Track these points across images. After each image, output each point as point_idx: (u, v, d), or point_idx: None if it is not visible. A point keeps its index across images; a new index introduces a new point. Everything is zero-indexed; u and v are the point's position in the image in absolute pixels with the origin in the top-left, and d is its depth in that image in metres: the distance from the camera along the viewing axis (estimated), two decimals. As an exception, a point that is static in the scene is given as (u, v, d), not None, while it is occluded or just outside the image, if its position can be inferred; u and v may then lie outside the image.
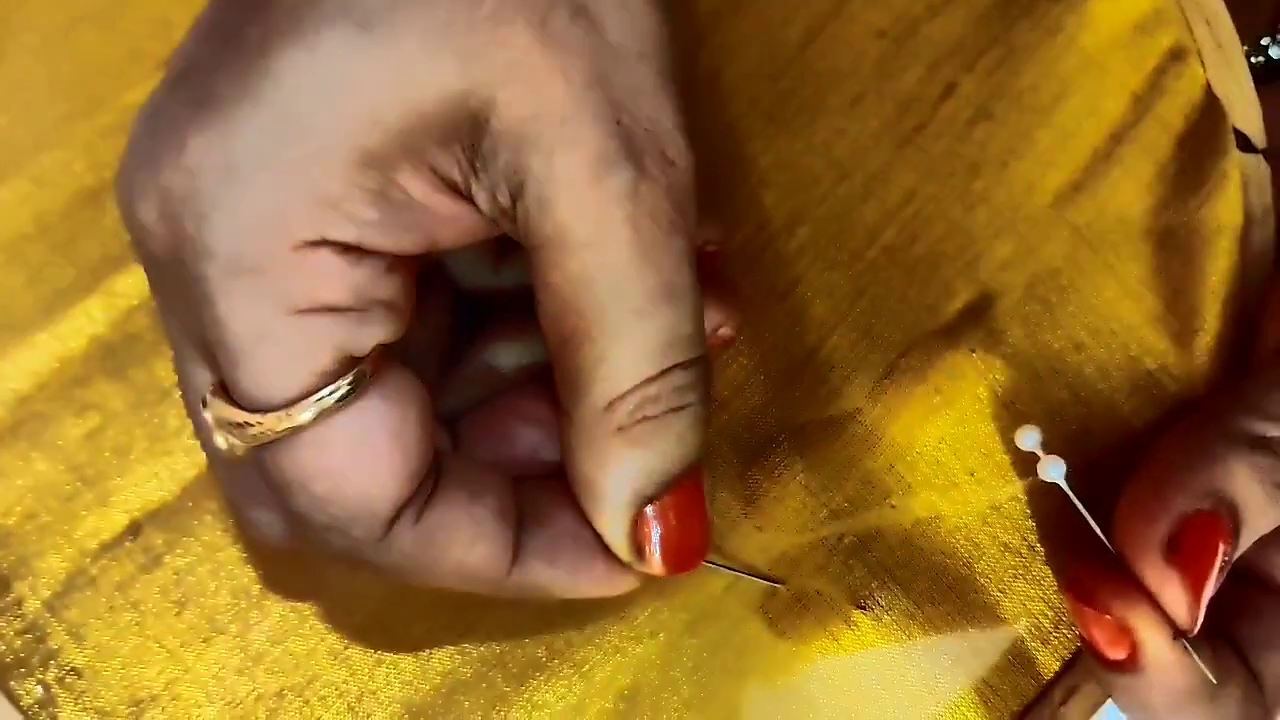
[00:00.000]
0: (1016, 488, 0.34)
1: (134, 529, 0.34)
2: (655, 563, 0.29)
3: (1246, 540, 0.31)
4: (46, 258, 0.35)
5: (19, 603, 0.34)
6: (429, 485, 0.28)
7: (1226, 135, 0.35)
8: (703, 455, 0.29)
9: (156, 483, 0.34)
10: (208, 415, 0.27)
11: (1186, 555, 0.30)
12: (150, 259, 0.27)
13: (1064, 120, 0.36)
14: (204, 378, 0.28)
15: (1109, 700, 0.34)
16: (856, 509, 0.34)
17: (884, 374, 0.35)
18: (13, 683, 0.34)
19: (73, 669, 0.34)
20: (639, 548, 0.29)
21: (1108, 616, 0.31)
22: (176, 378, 0.29)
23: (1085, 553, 0.33)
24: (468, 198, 0.26)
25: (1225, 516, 0.30)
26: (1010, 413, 0.34)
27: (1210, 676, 0.31)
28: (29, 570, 0.34)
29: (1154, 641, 0.31)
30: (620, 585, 0.30)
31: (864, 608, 0.34)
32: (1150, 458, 0.33)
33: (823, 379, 0.35)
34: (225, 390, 0.27)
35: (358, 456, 0.26)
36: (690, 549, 0.30)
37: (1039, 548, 0.34)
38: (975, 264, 0.35)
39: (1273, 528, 0.31)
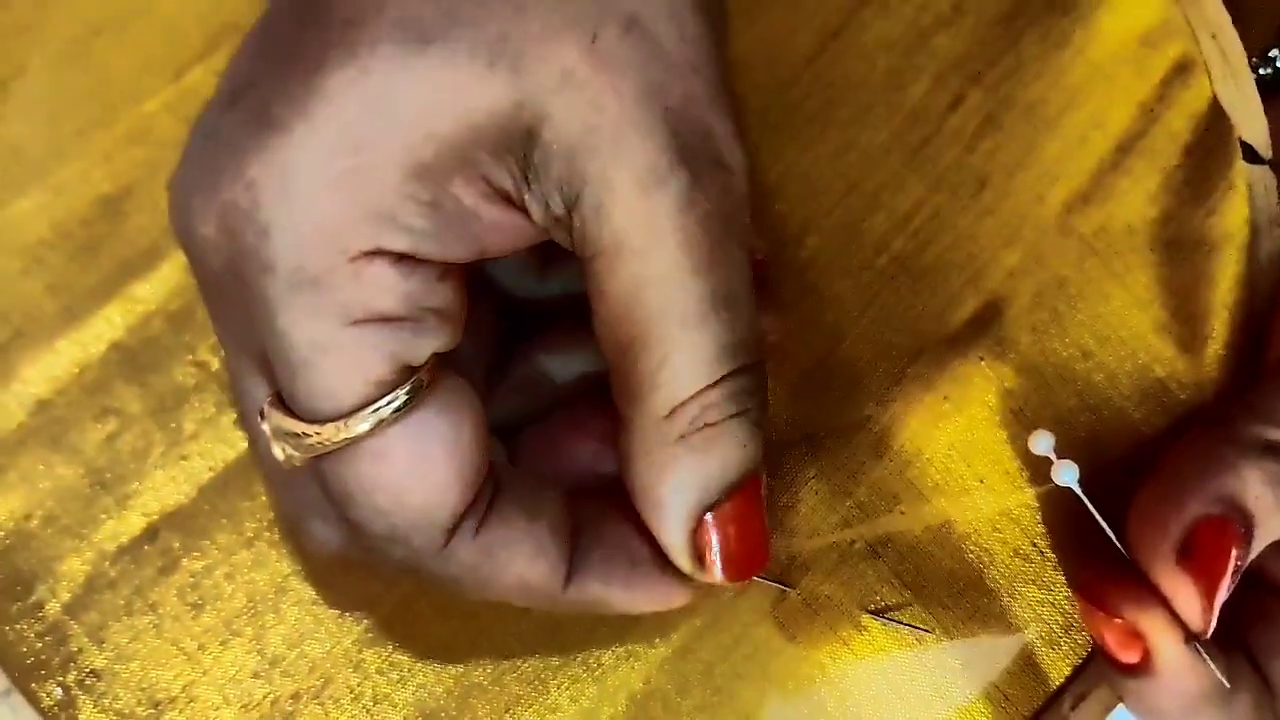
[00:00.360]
0: (1026, 494, 0.35)
1: (151, 532, 0.35)
2: (716, 572, 0.29)
3: (1259, 545, 0.31)
4: (66, 265, 0.36)
5: (39, 605, 0.34)
6: (486, 496, 0.28)
7: (1233, 147, 0.36)
8: (761, 462, 0.29)
9: (173, 486, 0.35)
10: (265, 427, 0.28)
11: (1199, 559, 0.30)
12: (208, 274, 0.27)
13: (1071, 131, 0.36)
14: (261, 390, 0.28)
15: (1119, 705, 0.34)
16: (867, 515, 0.34)
17: (893, 382, 0.35)
18: (33, 685, 0.34)
19: (92, 671, 0.34)
20: (699, 557, 0.29)
21: (1119, 620, 0.31)
22: (232, 391, 0.30)
23: (1097, 558, 0.33)
24: (520, 207, 0.26)
25: (1238, 521, 0.31)
26: (1019, 420, 0.35)
27: (1223, 680, 0.31)
28: (49, 573, 0.34)
29: (1166, 645, 0.31)
30: (676, 600, 0.31)
31: (874, 612, 0.34)
32: (1162, 464, 0.33)
33: (833, 387, 0.35)
34: (283, 402, 0.27)
35: (416, 466, 0.27)
36: (751, 557, 0.29)
37: (1049, 554, 0.34)
38: (983, 273, 0.35)
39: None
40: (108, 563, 0.35)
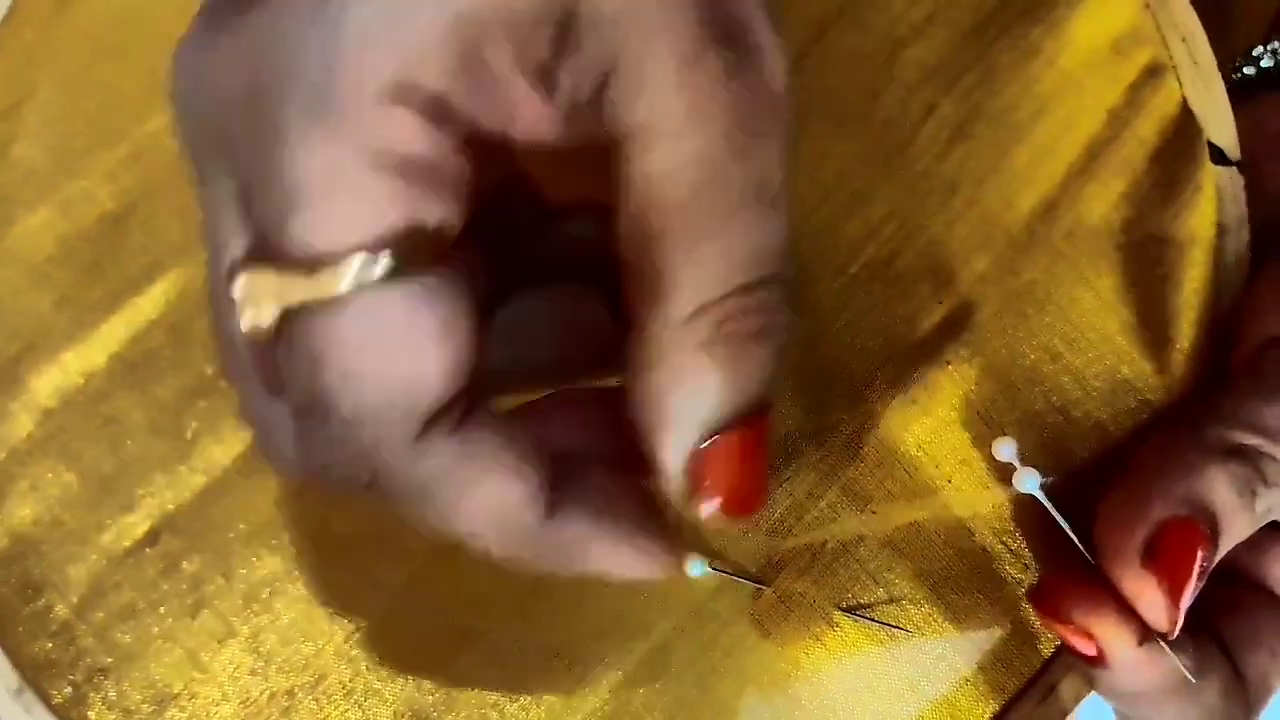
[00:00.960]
0: (996, 495, 0.35)
1: (153, 536, 0.36)
2: (707, 506, 0.27)
3: (1225, 546, 0.32)
4: (73, 280, 0.37)
5: (49, 608, 0.36)
6: (464, 403, 0.26)
7: (1200, 149, 0.36)
8: (774, 395, 0.27)
9: (173, 492, 0.36)
10: (236, 289, 0.25)
11: (1164, 561, 0.31)
12: (212, 103, 0.26)
13: (1041, 138, 0.37)
14: (238, 247, 0.26)
15: (1090, 694, 0.35)
16: (839, 515, 0.35)
17: (865, 385, 0.36)
18: (44, 683, 0.36)
19: (100, 670, 0.36)
20: (695, 483, 0.27)
21: (1070, 624, 0.32)
22: (211, 284, 0.27)
23: (1062, 559, 0.34)
24: (547, 88, 0.25)
25: (1203, 523, 0.31)
26: (986, 422, 0.35)
27: (1189, 676, 0.32)
28: (59, 577, 0.36)
29: (1117, 645, 0.32)
30: (656, 565, 0.28)
31: (848, 610, 0.35)
32: (1128, 467, 0.34)
33: (806, 390, 0.36)
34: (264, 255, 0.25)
35: (406, 331, 0.25)
36: (750, 494, 0.27)
37: (1020, 551, 0.35)
38: (954, 278, 0.36)
39: (1250, 533, 0.32)
40: (112, 566, 0.36)
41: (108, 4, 0.39)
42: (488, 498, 0.26)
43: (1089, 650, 0.32)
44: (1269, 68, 0.41)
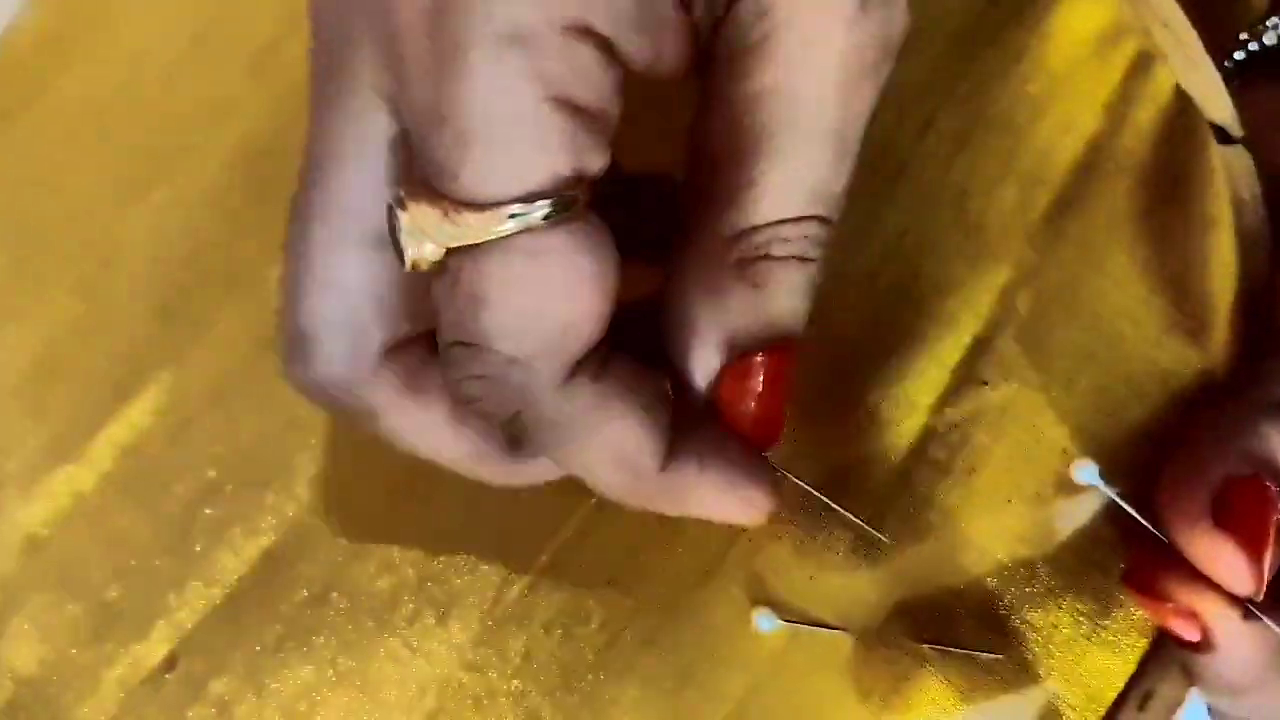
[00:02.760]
0: (1056, 506, 0.34)
1: (171, 661, 0.33)
2: (721, 422, 0.28)
3: None
4: (53, 396, 0.35)
5: None
6: (604, 349, 0.27)
7: (1204, 131, 0.36)
8: (800, 332, 0.28)
9: (188, 610, 0.34)
10: (403, 219, 0.25)
11: (1236, 517, 0.29)
12: (368, 43, 0.26)
13: (1041, 140, 0.36)
14: (380, 169, 0.27)
15: (1187, 700, 0.33)
16: (905, 548, 0.33)
17: (906, 414, 0.34)
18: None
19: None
20: (715, 398, 0.28)
21: (1170, 604, 0.31)
22: (319, 199, 0.28)
23: (1138, 552, 0.33)
24: (687, 7, 0.26)
25: (1270, 478, 0.30)
26: (1032, 435, 0.34)
27: None
28: (69, 718, 0.33)
29: (1222, 620, 0.30)
30: (758, 513, 0.29)
31: (930, 642, 0.33)
32: (1182, 440, 0.32)
33: (842, 422, 0.35)
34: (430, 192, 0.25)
35: (569, 277, 0.25)
36: (767, 421, 0.29)
37: (1099, 560, 0.33)
38: (976, 291, 0.35)
39: None
40: (131, 699, 0.33)
41: (68, 105, 0.37)
42: (617, 441, 0.27)
43: (1192, 633, 0.30)
44: (1272, 45, 0.41)
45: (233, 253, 0.36)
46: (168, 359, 0.35)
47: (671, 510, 0.29)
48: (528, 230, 0.25)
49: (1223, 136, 0.36)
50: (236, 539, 0.34)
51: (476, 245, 0.25)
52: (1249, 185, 0.36)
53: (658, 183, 0.31)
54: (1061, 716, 0.33)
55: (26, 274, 0.36)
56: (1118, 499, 0.32)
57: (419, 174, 0.26)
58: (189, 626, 0.34)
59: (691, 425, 0.29)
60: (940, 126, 0.36)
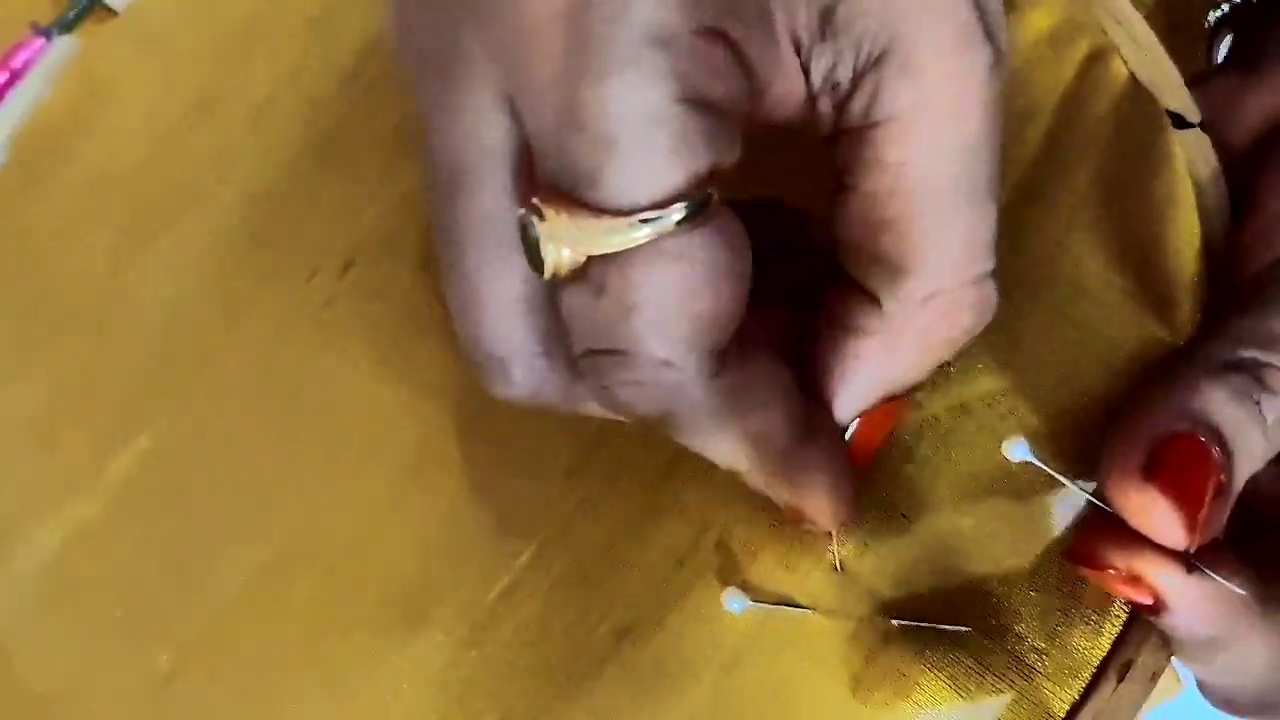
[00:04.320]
0: (1026, 481, 0.34)
1: (172, 675, 0.35)
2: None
3: (1244, 463, 0.30)
4: (57, 440, 0.37)
5: None
6: (740, 336, 0.27)
7: (1160, 117, 0.36)
8: None
9: (189, 626, 0.35)
10: (540, 227, 0.25)
11: (1167, 472, 0.29)
12: (503, 35, 0.25)
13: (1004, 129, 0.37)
14: (510, 202, 0.27)
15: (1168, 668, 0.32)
16: (873, 525, 0.34)
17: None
18: None
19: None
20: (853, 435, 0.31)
21: (1112, 570, 0.30)
22: (457, 218, 0.28)
23: (1083, 527, 0.33)
24: (804, 61, 0.26)
25: (1205, 436, 0.29)
26: (997, 415, 0.34)
27: (1235, 589, 0.30)
28: None
29: (1167, 577, 0.30)
30: (845, 512, 0.31)
31: (900, 619, 0.33)
32: (1126, 403, 0.32)
33: None
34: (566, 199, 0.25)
35: (713, 274, 0.25)
36: (877, 449, 0.32)
37: (1066, 538, 0.33)
38: None
39: (1274, 449, 0.31)
40: (136, 713, 0.35)
41: (90, 168, 0.40)
42: (759, 424, 0.28)
43: (1143, 597, 0.30)
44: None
45: (232, 294, 0.38)
46: (170, 395, 0.37)
47: (781, 494, 0.30)
48: (670, 233, 0.25)
49: (1179, 122, 0.36)
50: (234, 557, 0.36)
51: (620, 252, 0.25)
52: (1208, 166, 0.36)
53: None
54: (1040, 690, 0.32)
55: (42, 317, 0.38)
56: (1053, 473, 0.32)
57: (549, 179, 0.26)
58: (189, 641, 0.35)
59: (818, 417, 0.30)
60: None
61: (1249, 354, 0.31)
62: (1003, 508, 0.34)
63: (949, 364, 0.34)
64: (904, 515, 0.34)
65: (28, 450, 0.37)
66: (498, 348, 0.29)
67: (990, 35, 0.26)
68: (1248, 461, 0.30)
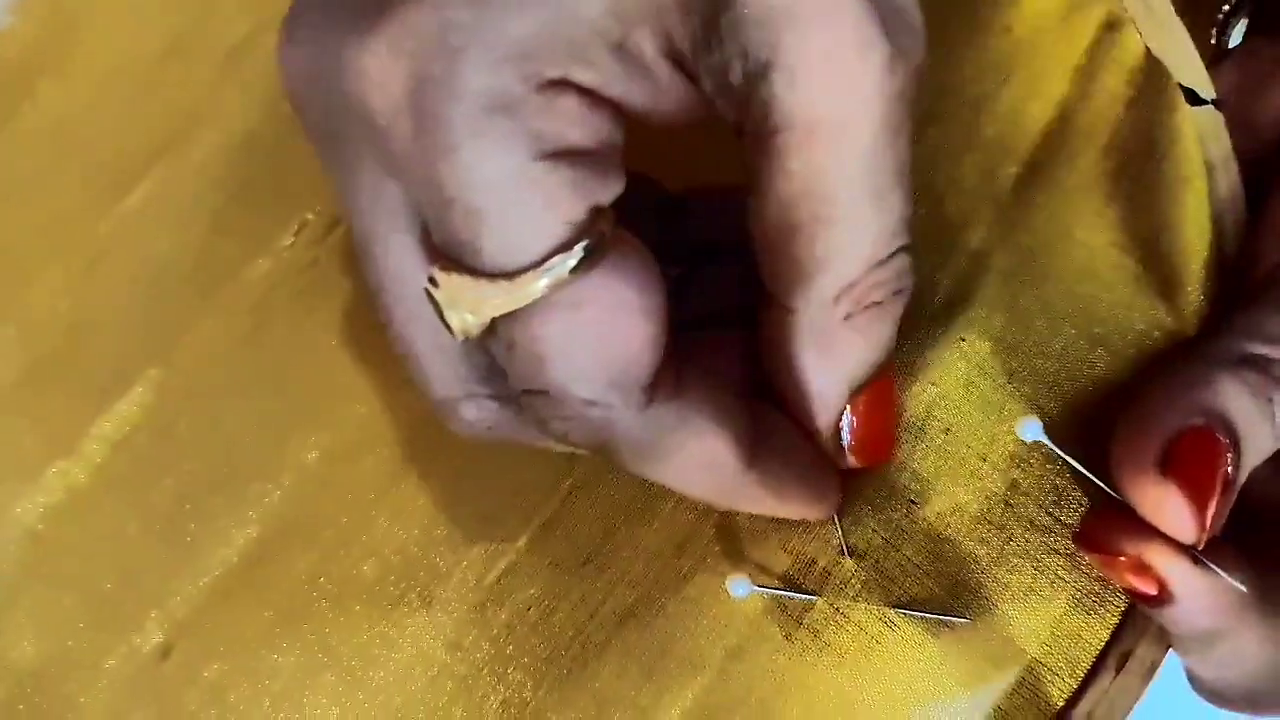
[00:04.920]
0: (1032, 465, 0.34)
1: (165, 649, 0.34)
2: (854, 456, 0.30)
3: (1251, 458, 0.30)
4: (43, 397, 0.36)
5: None
6: (673, 363, 0.27)
7: (1174, 93, 0.36)
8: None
9: (181, 599, 0.34)
10: (438, 296, 0.26)
11: (1182, 467, 0.29)
12: (356, 123, 0.25)
13: (1010, 107, 0.36)
14: (412, 260, 0.27)
15: (1164, 661, 0.33)
16: (879, 511, 0.34)
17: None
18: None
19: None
20: (843, 439, 0.30)
21: (1123, 558, 0.31)
22: (379, 280, 0.28)
23: (1091, 511, 0.33)
24: (692, 74, 0.26)
25: (1220, 431, 0.30)
26: (1004, 393, 0.34)
27: (1237, 585, 0.30)
28: (72, 708, 0.34)
29: (1175, 568, 0.30)
30: (829, 506, 0.32)
31: (904, 607, 0.33)
32: (1139, 392, 0.32)
33: None
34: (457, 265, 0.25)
35: (616, 315, 0.26)
36: (888, 438, 0.31)
37: (1067, 520, 0.34)
38: (950, 257, 0.35)
39: (1277, 446, 0.31)
40: (127, 687, 0.34)
41: (52, 111, 0.38)
42: (705, 452, 0.28)
43: (1148, 586, 0.31)
44: None
45: (213, 251, 0.37)
46: (153, 356, 0.36)
47: (753, 508, 0.31)
48: (565, 282, 0.25)
49: (1193, 99, 0.36)
50: (225, 529, 0.35)
51: (519, 309, 0.25)
52: (1220, 146, 0.36)
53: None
54: (1039, 679, 0.33)
55: (14, 278, 0.36)
56: (1064, 456, 0.32)
57: (440, 249, 0.26)
58: (182, 616, 0.34)
59: (769, 428, 0.30)
60: (908, 98, 0.37)
61: (1264, 351, 0.31)
62: (1008, 494, 0.34)
63: (961, 339, 0.34)
64: (911, 501, 0.34)
65: (7, 416, 0.36)
66: (444, 392, 0.29)
67: (890, 25, 0.25)
68: (1255, 456, 0.31)
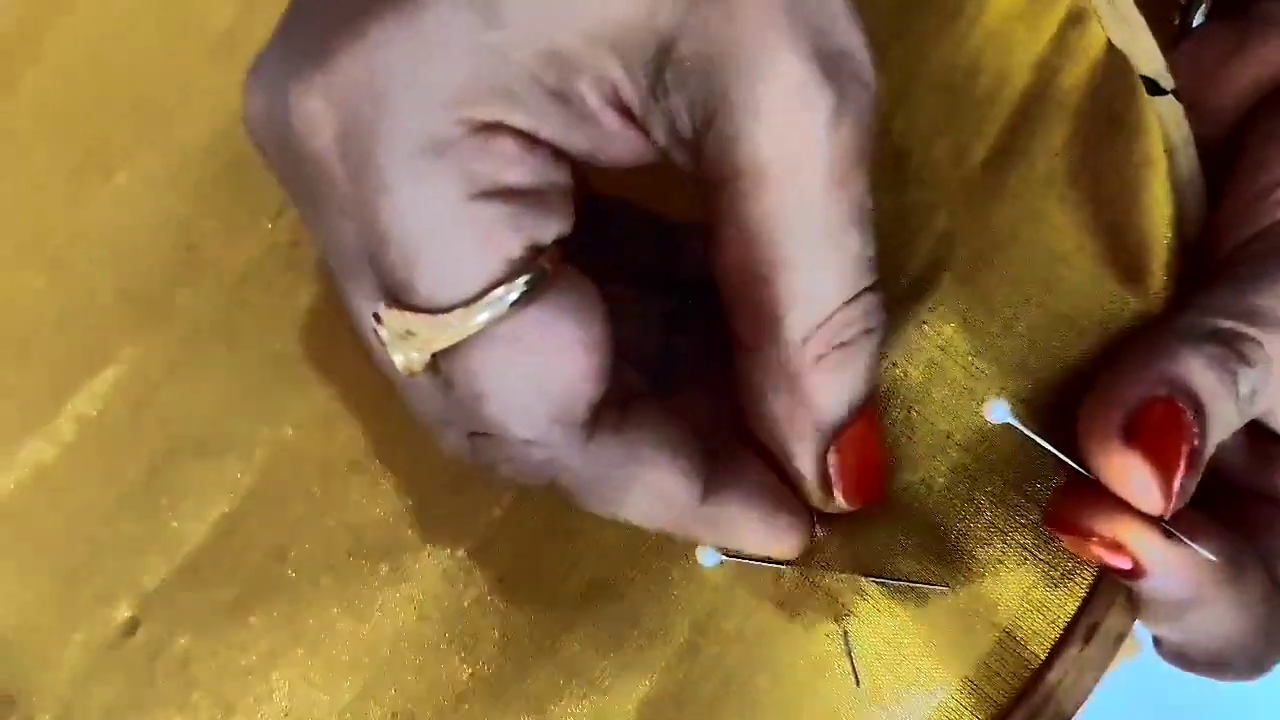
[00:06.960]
0: (1000, 442, 0.34)
1: (133, 624, 0.34)
2: (840, 499, 0.30)
3: (1216, 430, 0.30)
4: (16, 373, 0.36)
5: (30, 718, 0.34)
6: (617, 396, 0.28)
7: (1135, 82, 0.36)
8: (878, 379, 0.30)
9: (150, 575, 0.34)
10: (382, 333, 0.26)
11: (1146, 437, 0.30)
12: (306, 164, 0.26)
13: (978, 94, 0.37)
14: (371, 295, 0.27)
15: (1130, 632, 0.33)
16: None
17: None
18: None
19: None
20: (830, 480, 0.30)
21: (1094, 537, 0.31)
22: (352, 314, 0.28)
23: (1059, 491, 0.33)
24: (641, 123, 0.26)
25: (1183, 402, 0.30)
26: (969, 373, 0.35)
27: (1207, 555, 0.30)
28: (34, 683, 0.34)
29: (1145, 543, 0.30)
30: (794, 541, 0.31)
31: (872, 576, 0.33)
32: (1105, 369, 0.33)
33: None
34: (399, 301, 0.26)
35: (554, 350, 0.26)
36: (877, 473, 0.31)
37: (1035, 495, 0.34)
38: (916, 239, 0.36)
39: (1241, 419, 0.31)
40: (96, 661, 0.34)
41: (40, 92, 0.38)
42: (653, 484, 0.28)
43: (1122, 562, 0.31)
44: None
45: (194, 231, 0.37)
46: (129, 334, 0.36)
47: (713, 540, 0.31)
48: (500, 317, 0.25)
49: (1153, 88, 0.37)
50: (195, 506, 0.35)
51: (457, 345, 0.25)
52: (1180, 132, 0.36)
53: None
54: (1008, 649, 0.33)
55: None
56: (1032, 435, 0.32)
57: (383, 287, 0.26)
58: (150, 590, 0.34)
59: (728, 453, 0.30)
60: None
61: (1227, 325, 0.31)
62: (975, 469, 0.34)
63: (923, 321, 0.35)
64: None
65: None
66: (425, 420, 0.30)
67: (835, 72, 0.25)
68: (1220, 429, 0.31)
